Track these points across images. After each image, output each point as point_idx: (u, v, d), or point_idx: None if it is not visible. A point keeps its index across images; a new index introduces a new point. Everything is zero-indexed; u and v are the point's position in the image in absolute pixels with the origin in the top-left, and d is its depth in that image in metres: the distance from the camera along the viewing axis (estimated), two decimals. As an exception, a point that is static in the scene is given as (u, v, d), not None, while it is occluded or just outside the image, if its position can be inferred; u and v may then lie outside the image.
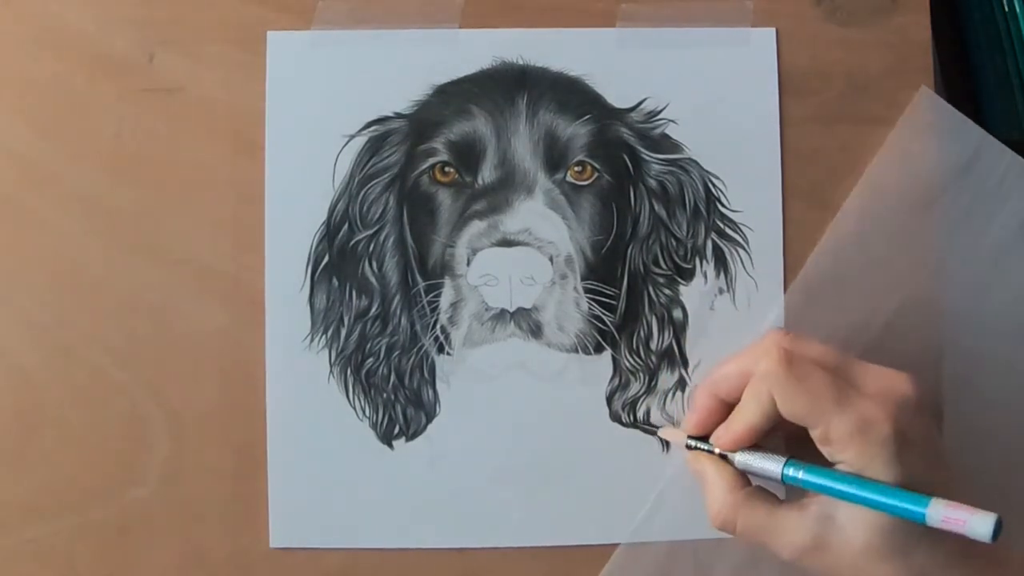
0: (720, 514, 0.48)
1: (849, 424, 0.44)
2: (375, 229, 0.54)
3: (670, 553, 0.53)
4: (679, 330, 0.54)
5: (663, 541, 0.53)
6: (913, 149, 0.54)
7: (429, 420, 0.54)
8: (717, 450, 0.49)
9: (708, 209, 0.54)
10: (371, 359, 0.54)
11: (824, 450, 0.45)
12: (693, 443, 0.50)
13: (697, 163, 0.54)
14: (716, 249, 0.54)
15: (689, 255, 0.54)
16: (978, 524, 0.41)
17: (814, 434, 0.45)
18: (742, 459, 0.48)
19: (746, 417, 0.47)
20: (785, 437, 0.48)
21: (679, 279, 0.54)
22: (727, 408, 0.49)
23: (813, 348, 0.47)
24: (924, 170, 0.54)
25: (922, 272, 0.54)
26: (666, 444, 0.54)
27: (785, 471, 0.46)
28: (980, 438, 0.53)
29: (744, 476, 0.48)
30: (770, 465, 0.47)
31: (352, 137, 0.54)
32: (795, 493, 0.47)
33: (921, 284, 0.54)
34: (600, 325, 0.54)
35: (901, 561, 0.44)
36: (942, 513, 0.42)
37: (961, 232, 0.54)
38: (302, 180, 0.54)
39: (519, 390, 0.54)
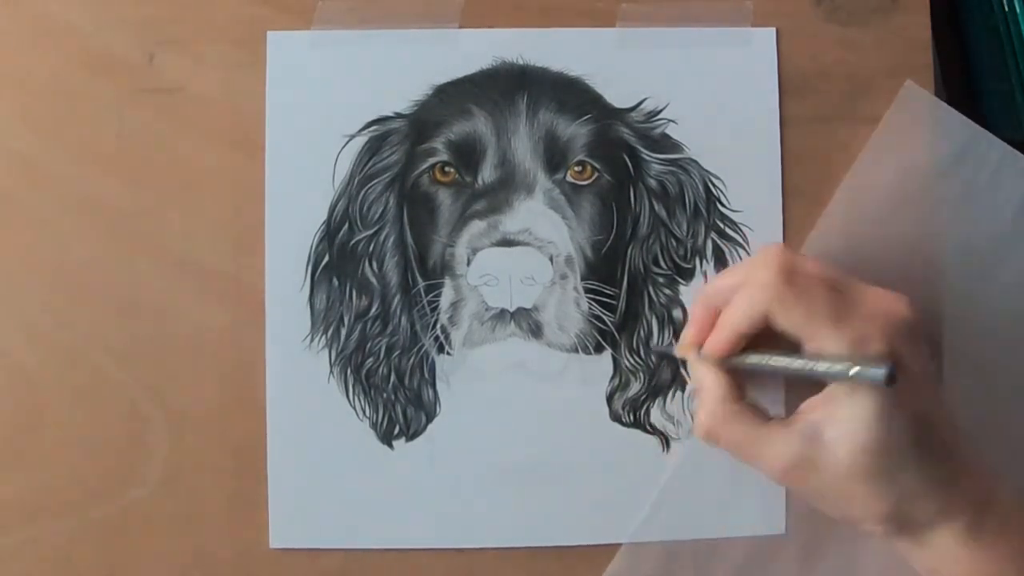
0: (705, 424, 0.47)
1: (844, 341, 0.44)
2: (375, 229, 0.54)
3: (670, 553, 0.53)
4: (679, 330, 0.54)
5: (663, 541, 0.53)
6: (901, 143, 0.54)
7: (429, 420, 0.54)
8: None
9: (708, 209, 0.54)
10: (371, 359, 0.54)
11: None
12: (695, 353, 0.49)
13: (697, 163, 0.54)
14: (716, 249, 0.54)
15: (689, 255, 0.54)
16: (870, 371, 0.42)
17: (808, 348, 0.45)
18: (745, 361, 0.47)
19: (734, 323, 0.47)
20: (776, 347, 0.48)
21: (679, 279, 0.54)
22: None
23: (813, 264, 0.47)
24: (914, 163, 0.54)
25: (917, 263, 0.54)
26: (666, 443, 0.54)
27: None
28: (982, 419, 0.53)
29: (740, 391, 0.48)
30: (771, 362, 0.47)
31: (352, 137, 0.54)
32: (780, 409, 0.47)
33: (916, 275, 0.54)
34: (600, 325, 0.54)
35: (885, 484, 0.44)
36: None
37: (955, 222, 0.54)
38: (302, 180, 0.54)
39: (519, 390, 0.53)
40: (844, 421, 0.44)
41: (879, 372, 0.42)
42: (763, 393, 0.50)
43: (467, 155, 0.54)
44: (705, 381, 0.48)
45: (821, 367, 0.44)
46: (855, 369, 0.43)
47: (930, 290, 0.54)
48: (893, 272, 0.53)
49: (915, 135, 0.54)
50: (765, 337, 0.47)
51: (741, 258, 0.54)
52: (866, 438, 0.44)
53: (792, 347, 0.46)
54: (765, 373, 0.48)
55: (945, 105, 0.54)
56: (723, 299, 0.48)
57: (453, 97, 0.54)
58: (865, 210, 0.54)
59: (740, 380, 0.48)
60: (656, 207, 0.54)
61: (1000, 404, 0.54)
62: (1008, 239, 0.54)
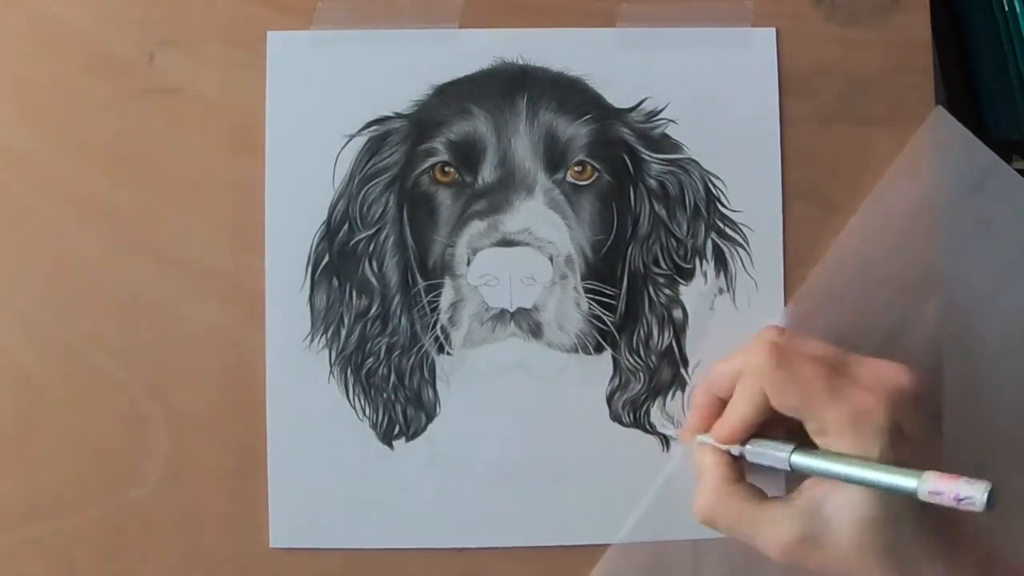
0: (704, 507, 0.47)
1: (843, 415, 0.44)
2: (375, 229, 0.54)
3: (662, 553, 0.53)
4: (679, 330, 0.54)
5: (655, 541, 0.53)
6: (923, 167, 0.54)
7: (429, 420, 0.54)
8: (722, 445, 0.49)
9: (708, 209, 0.54)
10: (371, 359, 0.54)
11: (819, 441, 0.45)
12: (701, 437, 0.49)
13: (697, 163, 0.54)
14: (716, 249, 0.54)
15: (689, 255, 0.54)
16: (970, 491, 0.40)
17: (809, 427, 0.45)
18: (751, 450, 0.48)
19: (739, 411, 0.47)
20: (786, 431, 0.48)
21: (679, 279, 0.54)
22: (724, 405, 0.49)
23: (808, 344, 0.47)
24: (932, 188, 0.54)
25: (924, 289, 0.54)
26: (666, 443, 0.54)
27: (792, 458, 0.46)
28: (980, 448, 0.53)
29: (739, 472, 0.48)
30: (777, 453, 0.47)
31: (352, 137, 0.54)
32: (781, 490, 0.47)
33: (923, 301, 0.54)
34: (600, 325, 0.54)
35: (889, 556, 0.44)
36: (932, 484, 0.41)
37: (965, 251, 0.54)
38: (302, 180, 0.54)
39: (519, 390, 0.53)
40: (846, 495, 0.44)
41: (979, 496, 0.40)
42: (764, 475, 0.49)
43: (467, 155, 0.54)
44: (705, 464, 0.48)
45: (889, 477, 0.43)
46: (960, 492, 0.41)
47: (931, 323, 0.54)
48: (905, 295, 0.53)
49: (937, 160, 0.54)
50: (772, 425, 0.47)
51: (741, 258, 0.54)
52: (870, 512, 0.44)
53: (800, 430, 0.46)
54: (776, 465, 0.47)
55: (971, 134, 0.54)
56: (722, 385, 0.49)
57: (453, 97, 0.54)
58: (883, 230, 0.54)
59: (740, 463, 0.48)
60: (656, 207, 0.54)
61: (1004, 421, 0.54)
62: (1016, 270, 0.54)
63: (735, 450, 0.48)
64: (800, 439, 0.47)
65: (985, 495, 0.40)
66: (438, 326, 0.54)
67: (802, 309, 0.53)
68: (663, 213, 0.54)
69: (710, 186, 0.54)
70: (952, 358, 0.54)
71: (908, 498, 0.43)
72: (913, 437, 0.44)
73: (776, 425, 0.47)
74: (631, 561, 0.53)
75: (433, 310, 0.54)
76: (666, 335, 0.54)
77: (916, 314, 0.53)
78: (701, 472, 0.49)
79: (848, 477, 0.44)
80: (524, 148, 0.54)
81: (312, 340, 0.54)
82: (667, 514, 0.53)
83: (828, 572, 0.45)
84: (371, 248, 0.54)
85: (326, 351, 0.54)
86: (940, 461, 0.46)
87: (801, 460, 0.46)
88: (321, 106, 0.54)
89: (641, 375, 0.54)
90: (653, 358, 0.54)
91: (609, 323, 0.54)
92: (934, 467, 0.44)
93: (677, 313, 0.54)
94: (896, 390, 0.45)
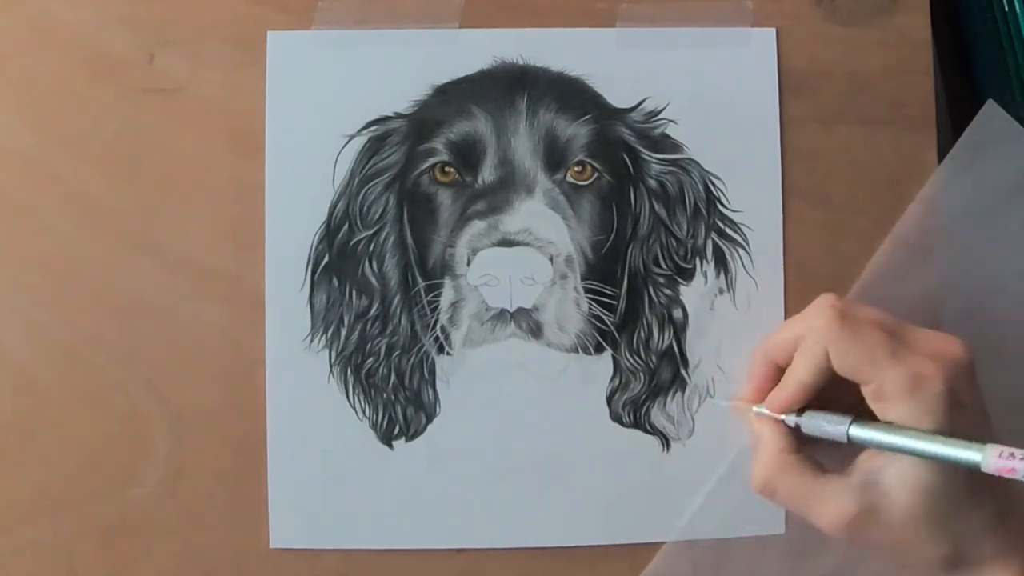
0: (762, 477, 0.47)
1: (903, 379, 0.44)
2: (375, 229, 0.54)
3: (717, 550, 0.53)
4: (679, 330, 0.54)
5: (708, 539, 0.53)
6: (975, 162, 0.54)
7: (429, 420, 0.54)
8: (781, 416, 0.48)
9: (708, 209, 0.54)
10: (371, 359, 0.54)
11: (876, 406, 0.45)
12: (757, 408, 0.49)
13: (697, 163, 0.54)
14: (716, 249, 0.54)
15: (689, 255, 0.54)
16: None
17: (867, 390, 0.45)
18: (807, 422, 0.47)
19: (798, 375, 0.47)
20: (840, 408, 0.48)
21: (679, 279, 0.54)
22: (782, 373, 0.49)
23: (867, 310, 0.47)
24: (985, 183, 0.54)
25: (980, 284, 0.54)
26: (666, 443, 0.54)
27: (850, 430, 0.46)
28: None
29: (797, 443, 0.48)
30: (835, 426, 0.47)
31: (352, 137, 0.54)
32: (838, 463, 0.47)
33: (978, 296, 0.54)
34: (600, 325, 0.54)
35: (944, 527, 0.44)
36: (995, 459, 0.42)
37: (1020, 245, 0.54)
38: (302, 180, 0.54)
39: (519, 390, 0.53)
40: (901, 467, 0.44)
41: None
42: (820, 446, 0.49)
43: (467, 155, 0.54)
44: (763, 433, 0.48)
45: (952, 450, 0.43)
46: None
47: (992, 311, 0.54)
48: (959, 290, 0.54)
49: (989, 154, 0.54)
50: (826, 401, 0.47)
51: (741, 258, 0.54)
52: (925, 481, 0.44)
53: (854, 400, 0.46)
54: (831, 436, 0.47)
55: (1021, 128, 0.54)
56: (780, 352, 0.49)
57: (453, 97, 0.54)
58: (936, 226, 0.54)
59: (798, 433, 0.48)
60: (656, 207, 0.54)
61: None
62: None
63: (791, 421, 0.48)
64: (854, 414, 0.47)
65: None
66: (438, 326, 0.54)
67: (861, 298, 0.53)
68: (663, 213, 0.54)
69: (710, 186, 0.54)
70: (1007, 348, 0.54)
71: (962, 470, 0.43)
72: (968, 406, 0.45)
73: (830, 401, 0.47)
74: (682, 560, 0.53)
75: (433, 310, 0.54)
76: (666, 335, 0.54)
77: (970, 309, 0.53)
78: (759, 442, 0.48)
79: (908, 449, 0.44)
80: (524, 148, 0.54)
81: (312, 340, 0.54)
82: (720, 512, 0.53)
83: (881, 545, 0.46)
84: (371, 248, 0.54)
85: (326, 351, 0.54)
86: (990, 426, 0.46)
87: (860, 432, 0.46)
88: (321, 106, 0.54)
89: (641, 375, 0.54)
90: (653, 358, 0.54)
91: (609, 323, 0.54)
92: (984, 431, 0.45)
93: (677, 313, 0.54)
94: (953, 360, 0.45)
